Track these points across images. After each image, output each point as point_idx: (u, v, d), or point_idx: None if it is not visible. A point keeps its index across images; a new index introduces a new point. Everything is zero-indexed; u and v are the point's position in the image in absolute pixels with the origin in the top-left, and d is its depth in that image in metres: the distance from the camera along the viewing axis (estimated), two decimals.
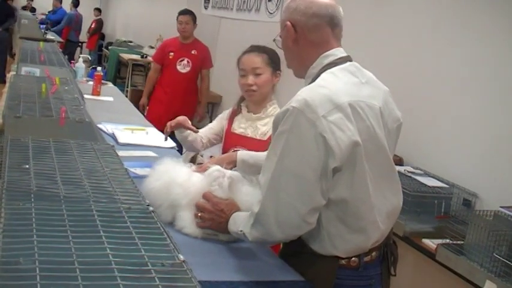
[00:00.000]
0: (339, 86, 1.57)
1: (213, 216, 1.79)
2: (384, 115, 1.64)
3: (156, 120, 4.12)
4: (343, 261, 1.63)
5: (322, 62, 1.63)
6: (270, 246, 1.88)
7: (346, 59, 1.66)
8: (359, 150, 1.52)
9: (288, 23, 1.64)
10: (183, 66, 5.45)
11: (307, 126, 1.48)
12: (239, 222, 1.66)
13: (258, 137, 2.45)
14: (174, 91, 5.46)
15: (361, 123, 1.54)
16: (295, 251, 1.70)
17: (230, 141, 2.51)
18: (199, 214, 1.81)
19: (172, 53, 5.47)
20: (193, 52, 5.47)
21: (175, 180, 1.89)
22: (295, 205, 1.50)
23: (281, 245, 1.84)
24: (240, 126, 2.50)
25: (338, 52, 1.65)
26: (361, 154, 1.53)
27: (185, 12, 5.45)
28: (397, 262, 1.83)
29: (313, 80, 1.62)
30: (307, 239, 1.64)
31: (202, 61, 5.52)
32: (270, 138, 2.15)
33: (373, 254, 1.69)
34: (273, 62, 2.43)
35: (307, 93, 1.54)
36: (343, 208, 1.57)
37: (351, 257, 1.64)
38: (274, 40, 1.78)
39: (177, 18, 5.45)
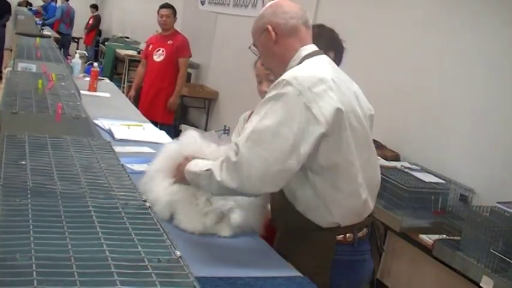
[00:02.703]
0: (321, 67, 1.73)
1: (179, 170, 1.84)
2: (359, 99, 1.78)
3: (139, 109, 4.32)
4: (340, 237, 1.76)
5: (301, 54, 1.77)
6: (266, 235, 1.91)
7: (321, 53, 1.80)
8: (343, 116, 1.64)
9: (269, 26, 1.76)
10: (158, 56, 5.64)
11: (294, 94, 1.60)
12: (202, 164, 1.73)
13: None
14: (150, 79, 5.69)
15: (343, 96, 1.68)
16: (294, 231, 1.79)
17: None
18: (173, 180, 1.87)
19: (151, 45, 5.73)
20: (169, 42, 5.65)
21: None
22: (269, 160, 1.57)
23: (277, 234, 1.88)
24: None
25: (313, 47, 1.80)
26: (344, 121, 1.65)
27: (166, 6, 5.71)
28: (384, 239, 1.93)
29: None
30: (304, 211, 1.74)
31: (177, 50, 5.64)
32: None
33: (364, 230, 1.82)
34: None
35: (295, 70, 1.69)
36: (335, 173, 1.69)
37: (346, 233, 1.76)
38: (249, 48, 1.89)
39: (158, 11, 5.69)
